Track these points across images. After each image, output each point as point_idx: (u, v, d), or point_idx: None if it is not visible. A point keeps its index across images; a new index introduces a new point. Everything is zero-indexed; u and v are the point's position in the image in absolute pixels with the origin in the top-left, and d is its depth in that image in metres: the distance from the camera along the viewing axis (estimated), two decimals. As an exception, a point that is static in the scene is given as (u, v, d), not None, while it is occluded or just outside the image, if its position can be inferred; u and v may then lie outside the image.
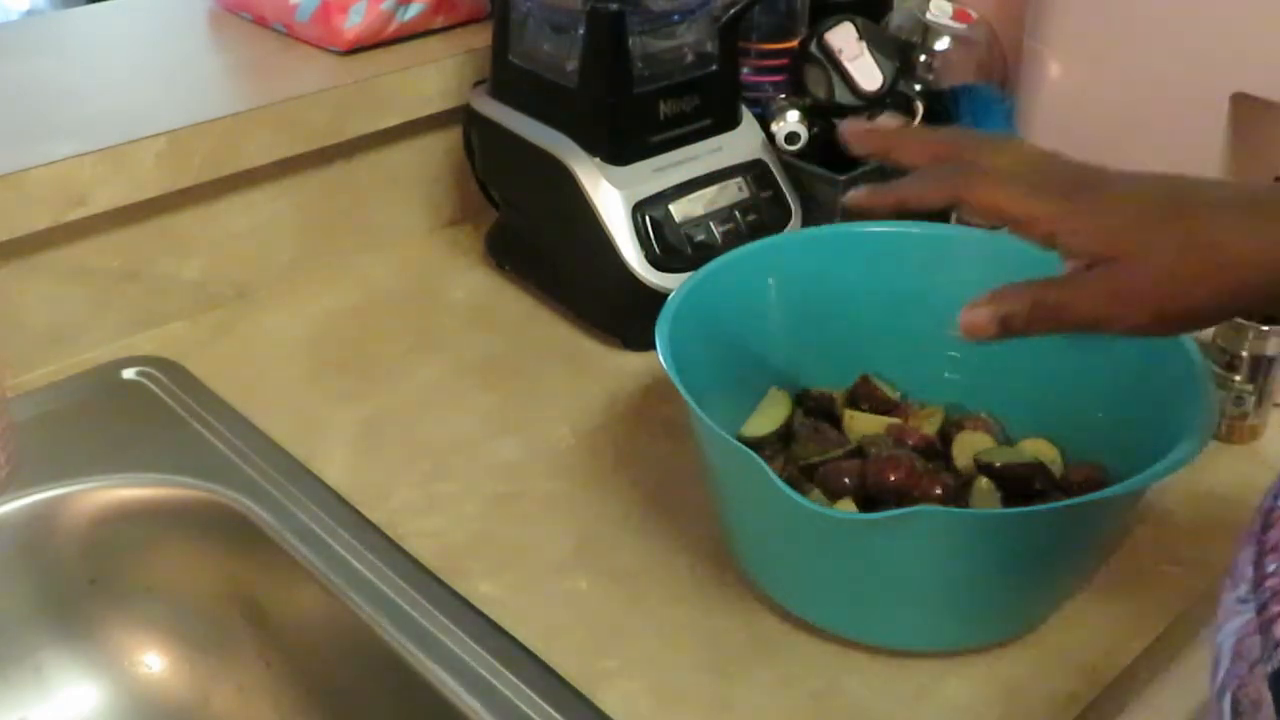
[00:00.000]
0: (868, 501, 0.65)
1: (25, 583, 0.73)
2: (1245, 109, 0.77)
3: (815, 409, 0.74)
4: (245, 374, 0.84)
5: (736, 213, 0.87)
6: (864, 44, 0.89)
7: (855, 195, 0.57)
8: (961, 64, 0.94)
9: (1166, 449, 0.57)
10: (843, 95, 0.89)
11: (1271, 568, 0.36)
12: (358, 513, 0.71)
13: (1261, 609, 0.35)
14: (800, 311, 0.75)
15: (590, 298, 0.90)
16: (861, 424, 0.72)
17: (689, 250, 0.84)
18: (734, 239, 0.85)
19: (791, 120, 0.89)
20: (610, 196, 0.84)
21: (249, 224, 0.92)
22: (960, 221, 0.88)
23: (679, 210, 0.85)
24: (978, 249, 0.73)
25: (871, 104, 0.89)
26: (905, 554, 0.58)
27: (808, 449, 0.70)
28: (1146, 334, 0.50)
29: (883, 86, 0.89)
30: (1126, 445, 0.63)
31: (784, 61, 0.94)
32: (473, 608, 0.65)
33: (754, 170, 0.89)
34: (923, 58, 0.93)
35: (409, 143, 0.99)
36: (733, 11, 0.86)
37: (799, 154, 0.90)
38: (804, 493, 0.63)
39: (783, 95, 0.91)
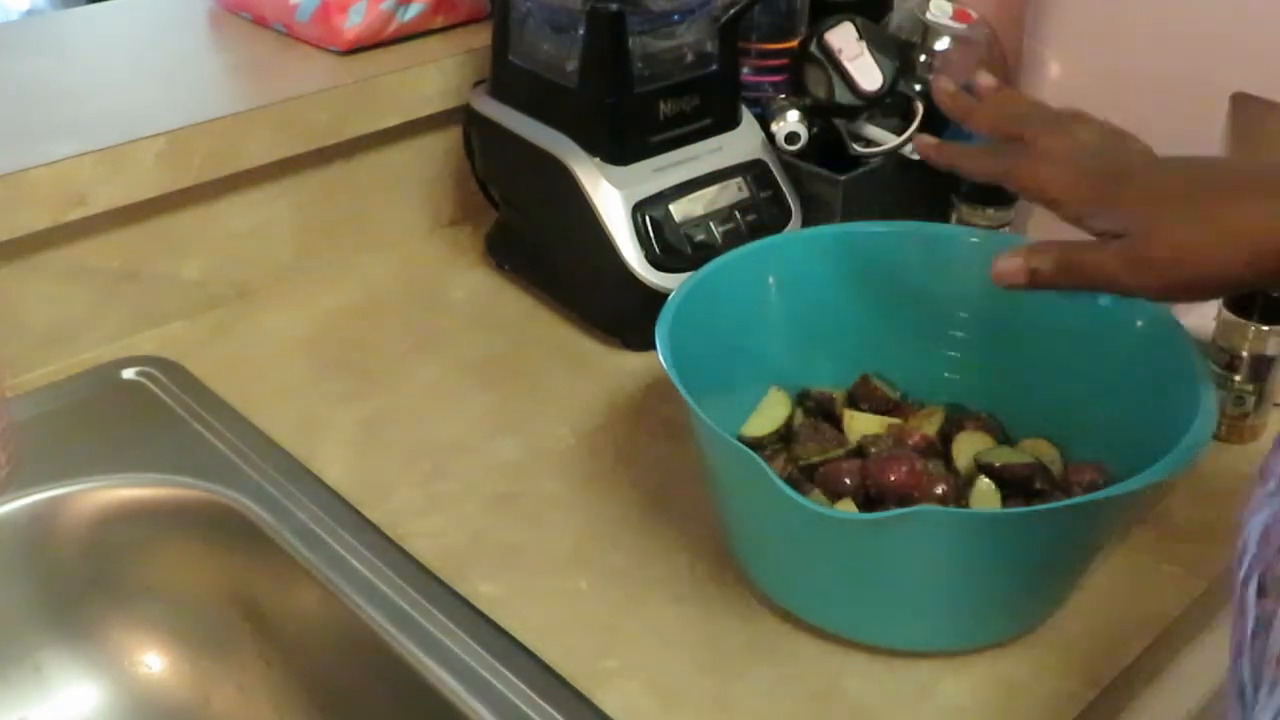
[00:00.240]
0: (868, 501, 0.65)
1: (25, 583, 0.73)
2: (1245, 109, 0.77)
3: (815, 409, 0.74)
4: (245, 374, 0.84)
5: (736, 213, 0.87)
6: (864, 44, 0.89)
7: (925, 142, 0.67)
8: (961, 64, 0.94)
9: (1166, 449, 0.57)
10: (843, 95, 0.88)
11: None
12: (358, 513, 0.71)
13: None
14: (800, 311, 0.75)
15: (590, 298, 0.90)
16: (861, 424, 0.72)
17: (689, 250, 0.84)
18: (734, 239, 0.85)
19: (791, 120, 0.89)
20: (610, 196, 0.84)
21: (249, 224, 0.92)
22: (960, 222, 0.88)
23: (679, 210, 0.85)
24: (978, 249, 0.73)
25: (871, 104, 0.89)
26: (905, 554, 0.58)
27: (808, 449, 0.70)
28: (1162, 298, 0.60)
29: (883, 86, 0.89)
30: (1126, 445, 0.62)
31: (784, 61, 0.94)
32: (473, 608, 0.65)
33: (754, 170, 0.89)
34: (923, 58, 0.93)
35: (409, 143, 0.99)
36: (733, 11, 0.86)
37: (799, 154, 0.90)
38: (804, 493, 0.63)
39: (783, 95, 0.91)
